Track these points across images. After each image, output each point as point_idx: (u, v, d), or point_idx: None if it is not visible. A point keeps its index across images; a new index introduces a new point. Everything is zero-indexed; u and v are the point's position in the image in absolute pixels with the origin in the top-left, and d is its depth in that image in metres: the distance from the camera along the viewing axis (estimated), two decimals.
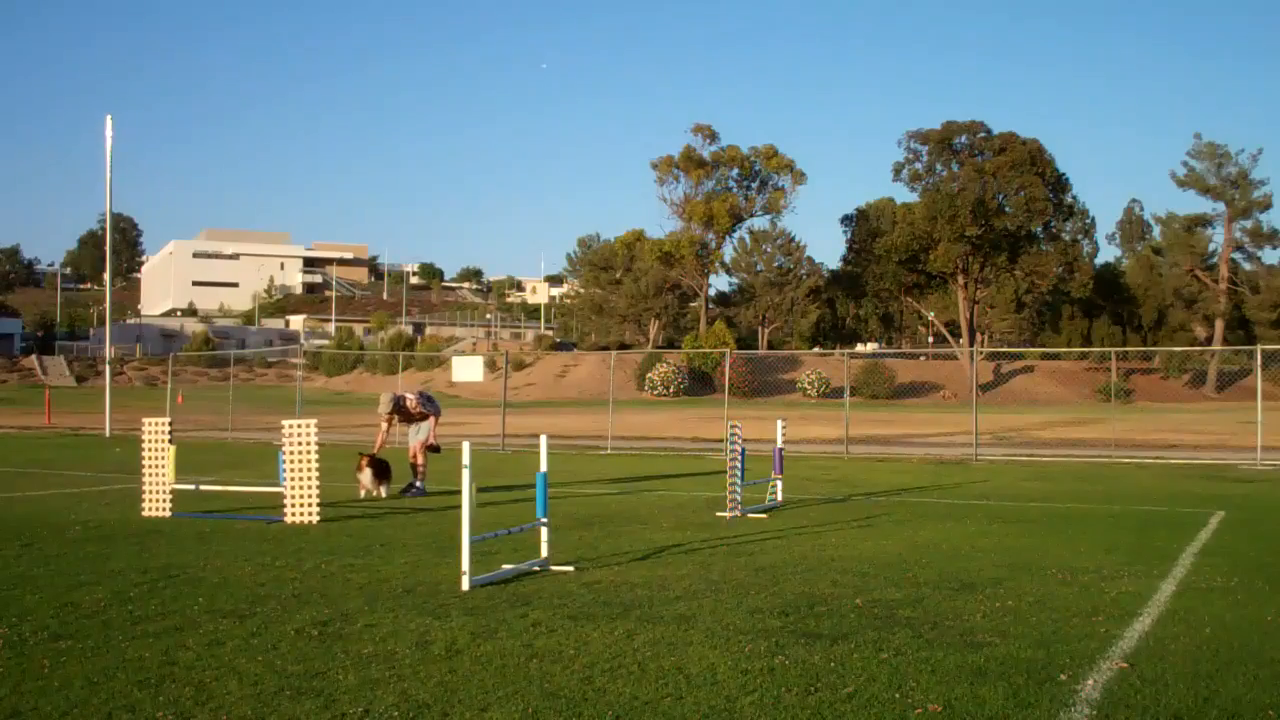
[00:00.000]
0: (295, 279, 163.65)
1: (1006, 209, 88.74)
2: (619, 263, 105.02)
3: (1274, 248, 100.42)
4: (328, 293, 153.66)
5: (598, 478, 19.73)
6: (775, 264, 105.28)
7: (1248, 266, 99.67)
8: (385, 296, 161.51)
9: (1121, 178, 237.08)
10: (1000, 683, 5.68)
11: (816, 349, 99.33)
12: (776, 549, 10.53)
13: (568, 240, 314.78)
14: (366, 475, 15.44)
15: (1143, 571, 9.19)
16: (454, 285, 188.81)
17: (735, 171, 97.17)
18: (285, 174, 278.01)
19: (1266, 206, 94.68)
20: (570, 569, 9.11)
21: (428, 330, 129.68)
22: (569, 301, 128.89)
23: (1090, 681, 5.73)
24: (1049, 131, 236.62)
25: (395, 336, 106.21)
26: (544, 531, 9.29)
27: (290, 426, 12.33)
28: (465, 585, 8.17)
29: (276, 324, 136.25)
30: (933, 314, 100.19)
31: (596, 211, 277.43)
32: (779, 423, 16.03)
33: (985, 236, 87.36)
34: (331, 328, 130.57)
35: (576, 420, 37.70)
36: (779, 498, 14.81)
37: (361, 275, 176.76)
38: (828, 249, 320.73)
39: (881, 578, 8.85)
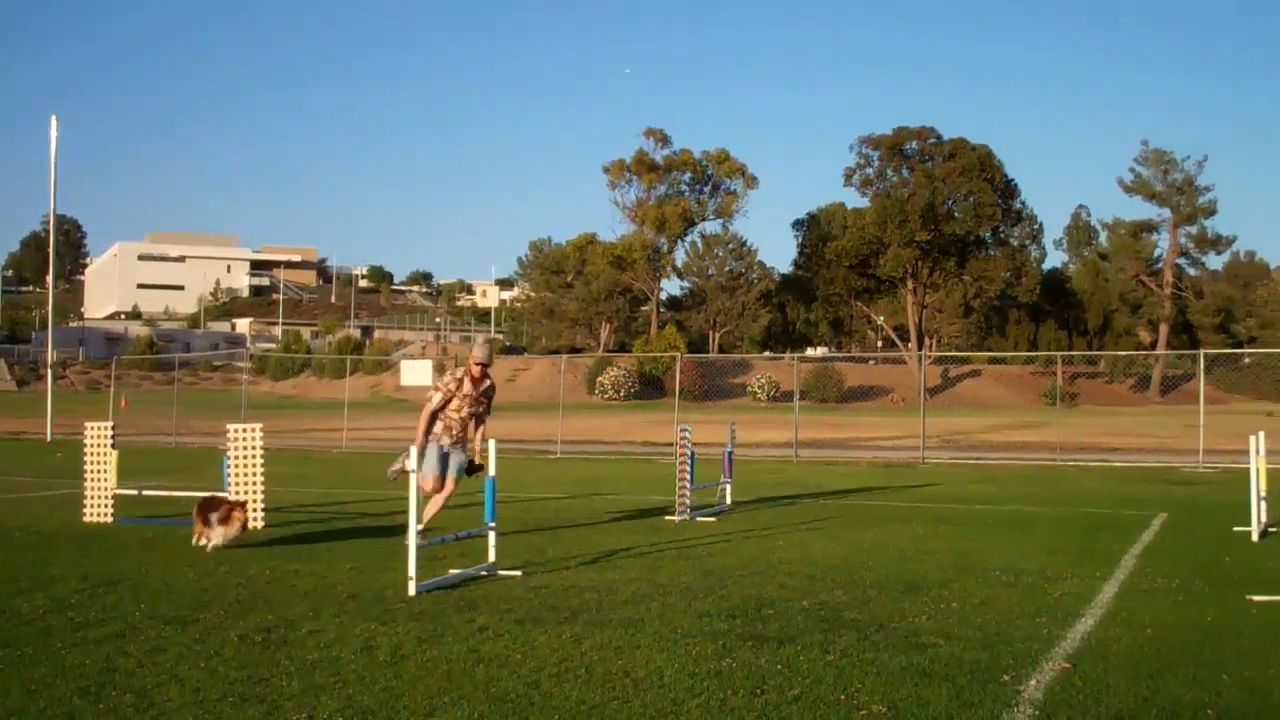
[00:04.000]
0: (242, 282, 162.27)
1: (956, 214, 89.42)
2: (570, 266, 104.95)
3: (1218, 253, 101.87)
4: (275, 296, 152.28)
5: (547, 482, 19.69)
6: (727, 268, 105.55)
7: (1192, 272, 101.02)
8: (333, 300, 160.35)
9: (1069, 184, 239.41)
10: (944, 684, 5.71)
11: (767, 353, 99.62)
12: (725, 552, 10.55)
13: (519, 244, 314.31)
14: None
15: (1086, 573, 9.28)
16: (403, 289, 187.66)
17: (687, 175, 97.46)
18: (233, 176, 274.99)
19: (1211, 213, 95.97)
20: (518, 573, 9.08)
21: (376, 334, 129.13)
22: (519, 305, 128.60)
23: (1033, 682, 5.78)
24: (998, 138, 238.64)
25: (343, 340, 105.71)
26: (491, 536, 9.25)
27: (235, 431, 12.23)
28: (411, 590, 8.12)
29: (223, 327, 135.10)
30: (882, 318, 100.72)
31: (548, 215, 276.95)
32: (729, 426, 16.07)
33: (935, 241, 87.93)
34: (279, 331, 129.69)
35: (526, 424, 37.59)
36: (728, 501, 14.83)
37: (310, 278, 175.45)
38: (779, 253, 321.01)
39: (829, 580, 8.88)
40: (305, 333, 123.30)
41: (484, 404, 11.51)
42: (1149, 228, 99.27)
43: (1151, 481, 20.26)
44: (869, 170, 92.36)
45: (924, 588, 8.53)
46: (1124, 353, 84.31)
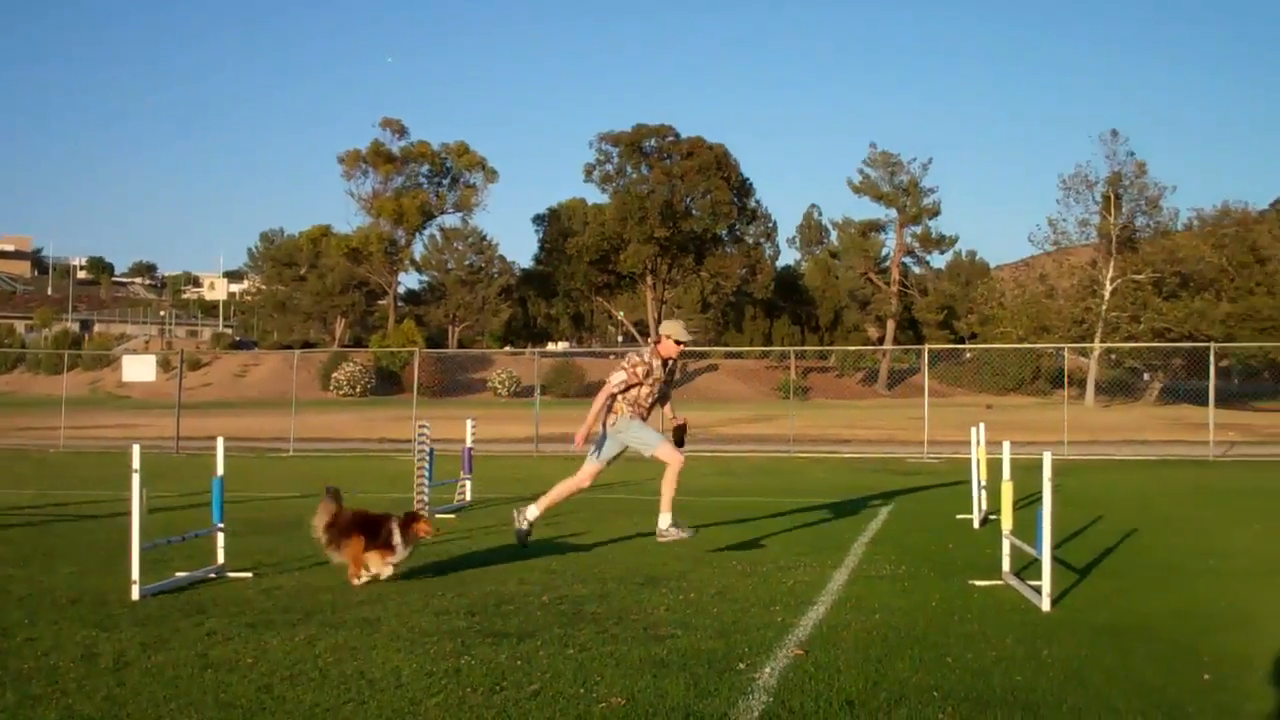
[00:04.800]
0: None
1: (694, 212, 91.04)
2: (304, 259, 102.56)
3: (941, 253, 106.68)
4: None
5: (279, 481, 19.16)
6: (466, 262, 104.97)
7: (917, 270, 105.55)
8: (50, 292, 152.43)
9: (801, 184, 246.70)
10: (682, 674, 5.77)
11: (508, 348, 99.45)
12: (464, 549, 10.45)
13: (249, 235, 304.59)
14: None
15: (818, 561, 9.54)
16: (125, 280, 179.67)
17: (426, 168, 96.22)
18: None
19: (935, 213, 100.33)
20: (249, 575, 8.79)
21: (96, 328, 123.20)
22: (250, 299, 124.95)
23: (768, 669, 5.89)
24: (734, 138, 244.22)
25: (61, 334, 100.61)
26: (220, 537, 8.92)
27: None
28: (135, 595, 7.75)
29: None
30: (622, 314, 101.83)
31: (280, 206, 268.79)
32: (468, 422, 15.94)
33: (673, 238, 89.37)
34: None
35: (257, 422, 36.56)
36: (468, 498, 14.72)
37: (24, 269, 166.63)
38: (520, 248, 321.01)
39: (569, 574, 8.89)
40: (19, 326, 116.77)
41: (669, 384, 10.51)
42: (877, 227, 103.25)
43: (879, 472, 21.03)
44: (609, 167, 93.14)
45: (663, 579, 8.62)
46: (853, 348, 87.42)
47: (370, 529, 8.50)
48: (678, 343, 10.20)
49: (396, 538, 8.45)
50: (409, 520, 8.62)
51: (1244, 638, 6.78)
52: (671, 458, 9.96)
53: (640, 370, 10.04)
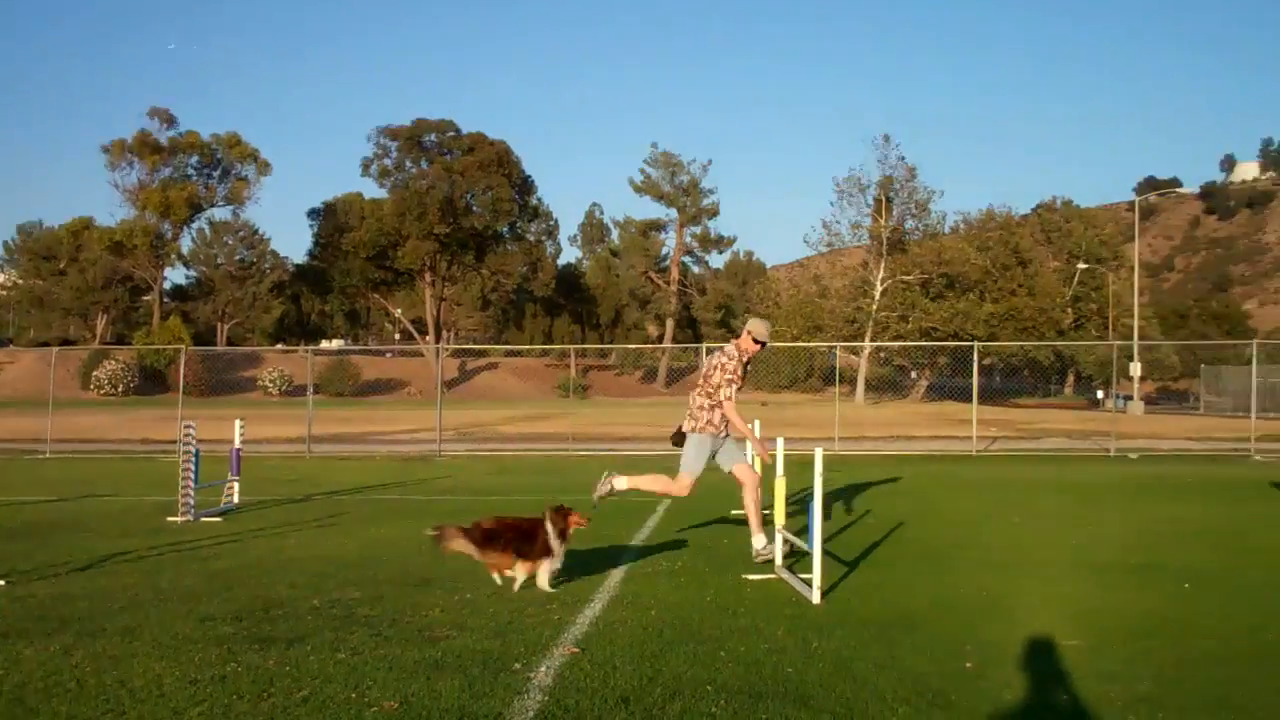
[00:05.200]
0: None
1: (474, 208, 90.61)
2: (64, 252, 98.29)
3: (720, 253, 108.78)
4: None
5: (35, 484, 18.28)
6: (237, 257, 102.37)
7: (696, 270, 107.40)
8: None
9: (583, 182, 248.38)
10: (456, 675, 5.69)
11: (280, 346, 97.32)
12: (231, 553, 10.11)
13: (4, 227, 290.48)
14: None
15: (595, 559, 9.53)
16: None
17: (195, 159, 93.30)
18: None
19: (714, 214, 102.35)
20: (0, 583, 8.32)
21: None
22: (4, 294, 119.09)
23: (543, 669, 5.86)
24: (517, 135, 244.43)
25: None
26: None
27: None
28: None
29: None
30: (400, 311, 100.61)
31: (39, 196, 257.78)
32: (237, 422, 15.46)
33: (453, 235, 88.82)
34: None
35: (11, 423, 34.83)
36: (235, 500, 14.28)
37: None
38: (293, 243, 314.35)
39: (341, 577, 8.68)
40: None
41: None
42: (657, 227, 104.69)
43: (658, 469, 21.19)
44: (388, 161, 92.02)
45: (438, 580, 8.49)
46: (634, 346, 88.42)
47: (525, 538, 8.10)
48: (758, 342, 9.85)
49: (554, 541, 8.08)
50: (559, 516, 8.20)
51: (1004, 626, 7.03)
52: (685, 489, 9.84)
53: (741, 372, 9.75)
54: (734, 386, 9.63)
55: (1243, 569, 9.40)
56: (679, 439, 9.99)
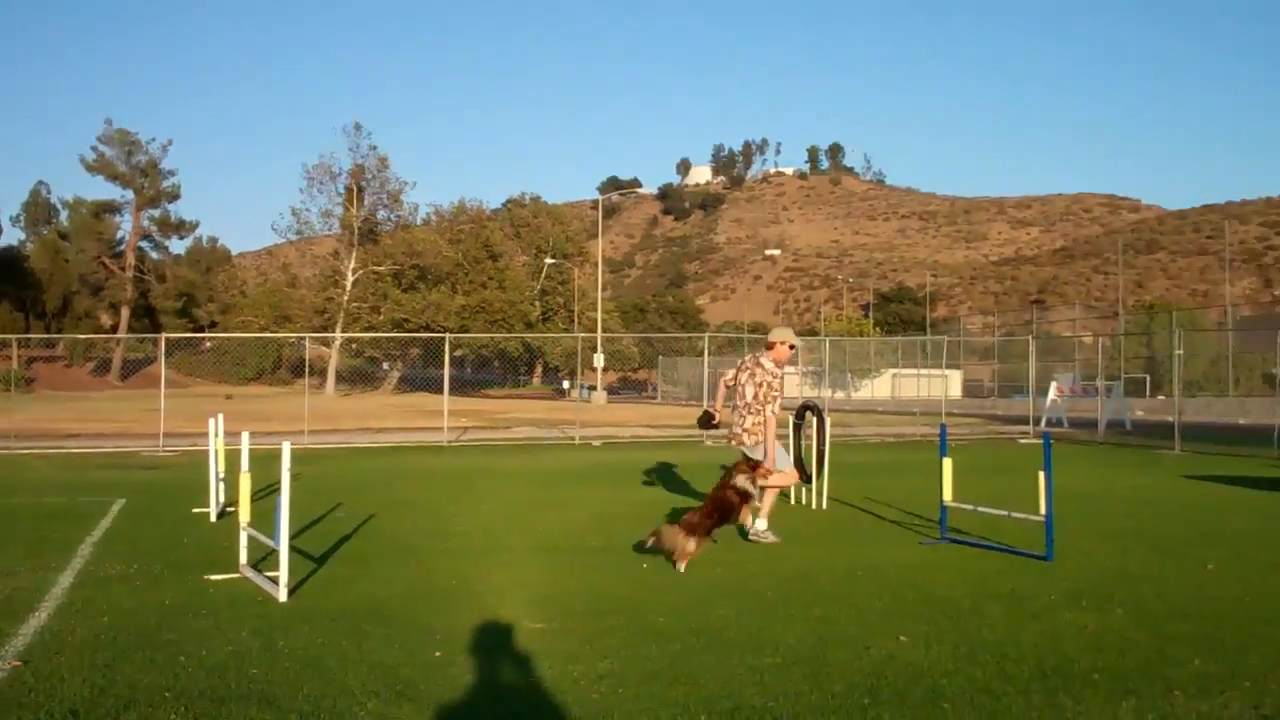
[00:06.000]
0: None
1: None
2: None
3: (181, 238, 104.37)
4: None
5: None
6: None
7: (155, 255, 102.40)
8: None
9: (29, 160, 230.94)
10: None
11: None
12: None
13: None
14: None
15: (41, 565, 8.93)
16: None
17: None
18: None
19: (175, 197, 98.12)
20: None
21: None
22: None
23: None
24: None
25: None
26: None
27: None
28: None
29: None
30: None
31: None
32: None
33: None
34: None
35: None
36: None
37: None
38: None
39: None
40: None
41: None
42: (112, 209, 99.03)
43: (112, 467, 20.07)
44: None
45: None
46: (84, 336, 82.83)
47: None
48: (791, 348, 10.52)
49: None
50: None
51: (473, 613, 7.20)
52: (794, 477, 11.18)
53: (779, 385, 10.37)
54: (779, 401, 10.40)
55: None
56: (705, 421, 11.04)
